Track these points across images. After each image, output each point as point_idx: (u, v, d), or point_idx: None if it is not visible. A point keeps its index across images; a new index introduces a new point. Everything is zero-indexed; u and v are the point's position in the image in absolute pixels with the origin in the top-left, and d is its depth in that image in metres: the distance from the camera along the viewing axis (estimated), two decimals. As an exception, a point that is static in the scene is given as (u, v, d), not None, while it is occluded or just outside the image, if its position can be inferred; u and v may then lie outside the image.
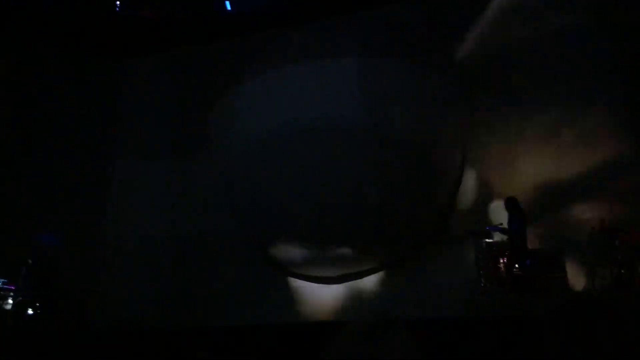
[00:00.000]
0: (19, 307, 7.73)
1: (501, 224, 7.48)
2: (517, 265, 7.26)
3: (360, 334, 1.77)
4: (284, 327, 7.77)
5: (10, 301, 7.81)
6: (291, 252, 9.58)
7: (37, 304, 7.75)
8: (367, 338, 1.75)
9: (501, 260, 7.40)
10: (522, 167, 8.43)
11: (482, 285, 7.51)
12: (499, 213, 7.95)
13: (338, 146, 9.21)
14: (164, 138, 11.05)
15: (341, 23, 10.09)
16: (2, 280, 7.90)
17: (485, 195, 8.73)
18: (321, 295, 9.46)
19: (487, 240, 7.69)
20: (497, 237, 7.71)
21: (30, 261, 7.88)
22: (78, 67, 10.82)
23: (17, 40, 10.34)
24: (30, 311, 7.73)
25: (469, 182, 8.91)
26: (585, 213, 7.81)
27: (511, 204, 7.45)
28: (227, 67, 10.64)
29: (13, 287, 7.89)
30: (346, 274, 9.29)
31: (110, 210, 10.93)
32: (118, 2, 10.03)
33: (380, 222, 9.05)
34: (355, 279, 9.28)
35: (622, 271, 6.87)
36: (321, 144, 9.30)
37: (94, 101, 10.94)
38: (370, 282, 9.30)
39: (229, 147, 10.30)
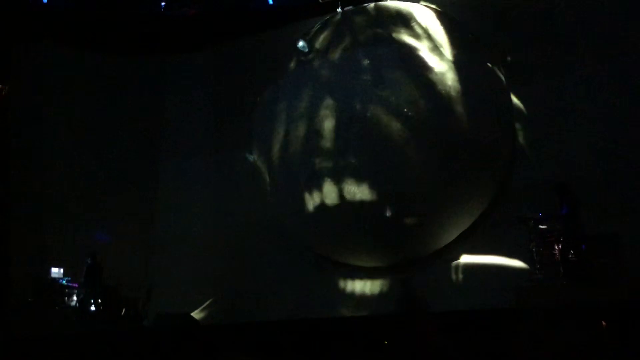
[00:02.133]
0: (83, 303, 8.21)
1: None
2: (572, 252, 6.94)
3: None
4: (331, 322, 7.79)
5: (74, 298, 8.32)
6: (336, 243, 9.48)
7: (99, 300, 8.19)
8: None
9: (556, 247, 7.08)
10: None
11: (536, 272, 7.22)
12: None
13: None
14: (207, 133, 11.13)
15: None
16: (67, 278, 8.43)
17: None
18: (366, 289, 9.30)
19: (540, 226, 7.37)
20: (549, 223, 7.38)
21: (89, 260, 8.36)
22: (125, 69, 11.06)
23: (65, 47, 10.70)
24: (92, 307, 8.19)
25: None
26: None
27: (561, 189, 7.19)
28: (269, 59, 10.57)
29: (76, 285, 8.40)
30: (395, 264, 9.11)
31: (158, 207, 11.13)
32: (163, 3, 10.25)
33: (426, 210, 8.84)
34: (404, 269, 9.02)
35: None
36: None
37: (141, 101, 11.20)
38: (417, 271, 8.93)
39: (270, 140, 10.13)
